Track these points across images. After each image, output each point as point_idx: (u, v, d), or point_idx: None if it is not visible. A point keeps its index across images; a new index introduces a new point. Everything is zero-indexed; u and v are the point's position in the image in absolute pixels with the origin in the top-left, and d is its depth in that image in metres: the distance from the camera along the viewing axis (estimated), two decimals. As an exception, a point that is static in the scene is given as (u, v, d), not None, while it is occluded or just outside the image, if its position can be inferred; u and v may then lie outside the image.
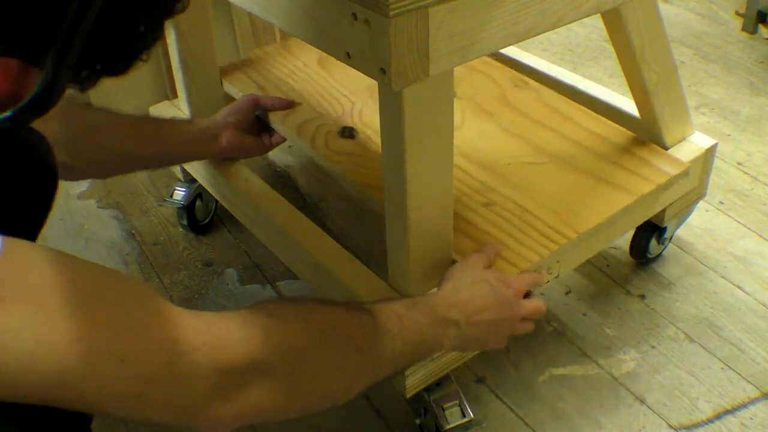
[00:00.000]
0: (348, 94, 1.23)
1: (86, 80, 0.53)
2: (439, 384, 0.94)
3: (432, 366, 0.90)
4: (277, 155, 1.60)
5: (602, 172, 1.06)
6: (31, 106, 0.48)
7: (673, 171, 1.06)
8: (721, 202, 1.42)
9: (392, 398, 1.07)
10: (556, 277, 1.01)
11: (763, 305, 1.20)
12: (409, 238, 0.84)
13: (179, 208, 1.37)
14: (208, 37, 1.22)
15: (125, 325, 0.54)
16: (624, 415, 1.04)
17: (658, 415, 1.04)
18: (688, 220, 1.29)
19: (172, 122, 1.15)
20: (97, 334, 0.52)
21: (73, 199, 1.52)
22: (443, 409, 0.94)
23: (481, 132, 1.15)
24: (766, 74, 1.83)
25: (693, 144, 1.13)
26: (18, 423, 0.52)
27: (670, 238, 1.27)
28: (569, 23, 0.77)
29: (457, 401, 0.94)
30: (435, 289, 0.87)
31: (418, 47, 0.65)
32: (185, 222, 1.38)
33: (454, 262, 0.91)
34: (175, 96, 1.34)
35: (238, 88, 1.27)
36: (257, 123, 1.19)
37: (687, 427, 1.03)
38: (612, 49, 1.05)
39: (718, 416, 1.04)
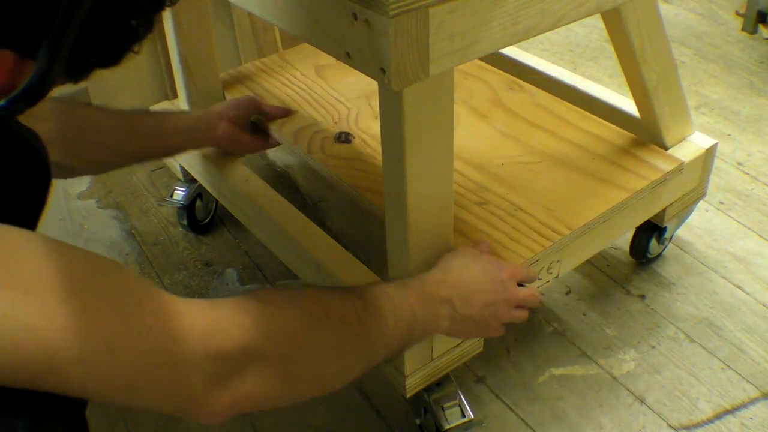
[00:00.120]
0: (344, 101, 1.24)
1: (79, 72, 0.55)
2: (439, 384, 0.94)
3: (432, 366, 0.90)
4: (277, 155, 1.60)
5: (595, 170, 1.07)
6: (23, 96, 0.49)
7: (667, 167, 1.07)
8: (721, 202, 1.42)
9: (392, 398, 1.07)
10: (556, 277, 1.01)
11: (763, 305, 1.20)
12: (409, 237, 0.84)
13: (179, 208, 1.37)
14: (208, 37, 1.22)
15: (116, 314, 0.54)
16: (624, 415, 1.04)
17: (658, 415, 1.04)
18: (688, 220, 1.29)
19: (168, 114, 1.15)
20: (87, 322, 0.52)
21: (73, 199, 1.52)
22: (443, 409, 0.94)
23: (475, 133, 1.15)
24: (766, 74, 1.83)
25: (693, 144, 1.13)
26: (4, 407, 0.52)
27: (670, 238, 1.28)
28: (569, 23, 0.77)
29: (457, 401, 0.94)
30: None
31: (418, 47, 0.65)
32: (185, 222, 1.38)
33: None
34: (175, 96, 1.35)
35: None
36: (253, 126, 1.19)
37: (687, 427, 1.03)
38: (612, 49, 1.05)
39: (718, 416, 1.04)
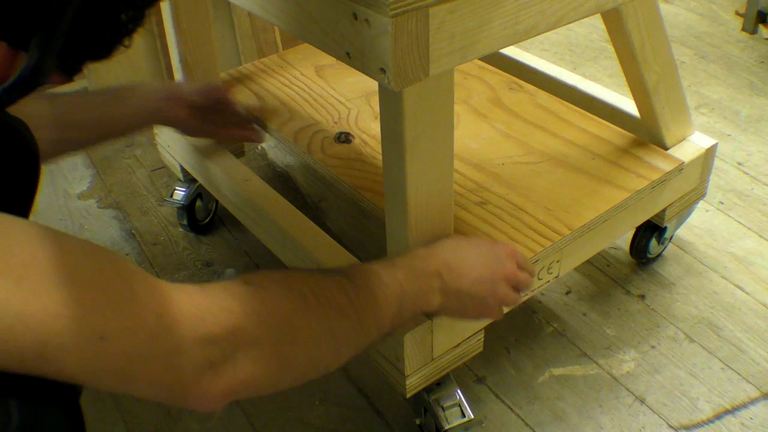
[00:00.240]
0: (344, 101, 1.24)
1: (72, 65, 0.56)
2: (439, 384, 0.94)
3: (432, 366, 0.90)
4: (277, 155, 1.60)
5: (595, 170, 1.07)
6: (15, 87, 0.50)
7: (667, 167, 1.07)
8: (721, 202, 1.42)
9: (392, 398, 1.07)
10: (556, 277, 1.01)
11: (763, 305, 1.20)
12: (409, 237, 0.84)
13: (179, 208, 1.37)
14: (208, 37, 1.22)
15: (106, 301, 0.54)
16: (624, 415, 1.04)
17: (658, 415, 1.04)
18: (688, 220, 1.29)
19: (126, 100, 1.10)
20: (77, 310, 0.52)
21: (73, 199, 1.52)
22: (443, 409, 0.94)
23: (475, 134, 1.15)
24: (766, 74, 1.83)
25: (693, 144, 1.13)
26: None
27: (670, 238, 1.28)
28: (569, 23, 0.77)
29: (457, 401, 0.94)
30: None
31: (418, 47, 0.65)
32: (185, 222, 1.38)
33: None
34: (175, 96, 1.34)
35: (239, 100, 1.28)
36: (236, 115, 1.18)
37: (687, 427, 1.03)
38: (612, 49, 1.05)
39: (718, 416, 1.04)
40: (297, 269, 0.76)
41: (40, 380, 0.53)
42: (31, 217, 0.65)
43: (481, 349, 0.97)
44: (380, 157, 1.09)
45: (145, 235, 1.42)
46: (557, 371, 1.11)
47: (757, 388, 1.07)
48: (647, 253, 1.25)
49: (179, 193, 1.35)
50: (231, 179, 1.15)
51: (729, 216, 1.39)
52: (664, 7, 2.15)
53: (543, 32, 0.75)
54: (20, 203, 0.64)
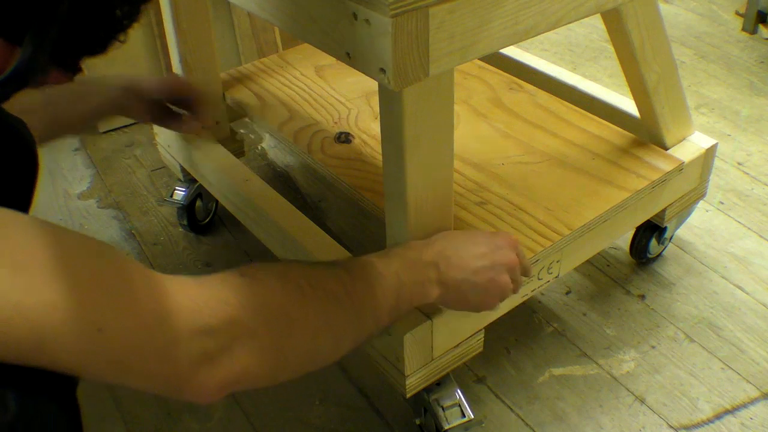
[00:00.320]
0: (344, 101, 1.24)
1: (67, 60, 0.57)
2: (439, 384, 0.94)
3: (432, 366, 0.90)
4: (277, 155, 1.60)
5: (595, 170, 1.07)
6: (8, 81, 0.51)
7: (667, 167, 1.07)
8: (721, 202, 1.42)
9: (392, 398, 1.07)
10: (556, 277, 1.01)
11: (763, 305, 1.20)
12: (409, 237, 0.84)
13: (179, 208, 1.37)
14: (208, 37, 1.22)
15: (104, 293, 0.55)
16: (624, 415, 1.04)
17: (658, 415, 1.04)
18: (688, 220, 1.29)
19: (89, 92, 1.12)
20: (75, 301, 0.52)
21: (73, 199, 1.52)
22: (443, 409, 0.94)
23: (475, 134, 1.16)
24: (766, 74, 1.83)
25: (693, 144, 1.13)
26: None
27: (670, 238, 1.28)
28: (569, 23, 0.77)
29: (457, 401, 0.94)
30: None
31: (418, 47, 0.65)
32: (185, 222, 1.38)
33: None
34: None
35: (238, 100, 1.28)
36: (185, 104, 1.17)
37: (687, 427, 1.03)
38: (612, 49, 1.05)
39: (718, 416, 1.04)
40: (293, 261, 0.76)
41: (37, 372, 0.53)
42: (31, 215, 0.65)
43: (481, 349, 0.97)
44: (380, 157, 1.09)
45: (145, 235, 1.42)
46: (557, 371, 1.11)
47: (757, 388, 1.07)
48: (647, 253, 1.25)
49: (179, 193, 1.35)
50: (231, 179, 1.15)
51: (729, 216, 1.39)
52: (664, 7, 2.15)
53: (543, 32, 0.75)
54: (19, 200, 0.64)
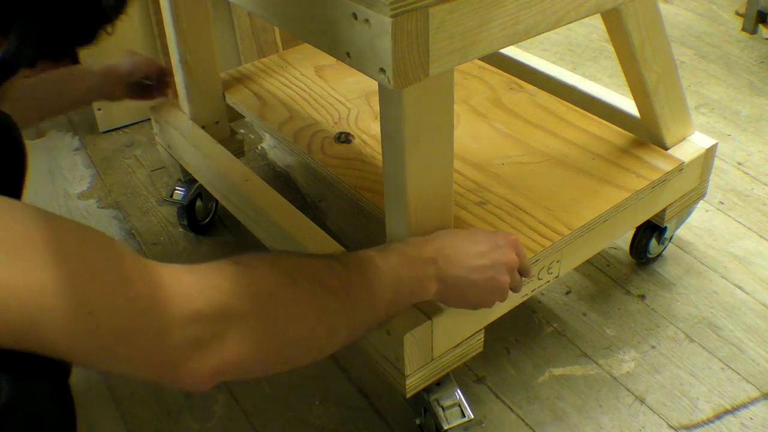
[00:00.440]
0: (344, 101, 1.24)
1: (55, 50, 0.58)
2: (439, 384, 0.94)
3: (432, 366, 0.90)
4: (277, 155, 1.60)
5: (595, 170, 1.07)
6: None
7: (667, 167, 1.07)
8: (721, 202, 1.42)
9: (392, 398, 1.07)
10: (556, 277, 1.01)
11: (763, 305, 1.20)
12: (409, 237, 0.84)
13: (179, 208, 1.37)
14: (208, 37, 1.22)
15: (95, 277, 0.55)
16: (624, 415, 1.04)
17: (658, 415, 1.04)
18: (688, 220, 1.29)
19: (72, 79, 1.22)
20: (67, 284, 0.52)
21: (73, 199, 1.52)
22: (443, 409, 0.94)
23: (475, 134, 1.15)
24: (766, 74, 1.83)
25: (693, 144, 1.13)
26: None
27: (670, 238, 1.28)
28: (569, 23, 0.77)
29: (457, 401, 0.94)
30: None
31: (418, 47, 0.65)
32: (185, 222, 1.38)
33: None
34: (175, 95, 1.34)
35: (238, 100, 1.28)
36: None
37: (687, 427, 1.03)
38: (612, 49, 1.05)
39: (718, 416, 1.04)
40: (288, 252, 0.76)
41: (30, 358, 0.53)
42: None
43: (481, 349, 0.96)
44: (380, 157, 1.09)
45: (145, 235, 1.42)
46: (557, 371, 1.11)
47: (757, 388, 1.07)
48: (647, 253, 1.25)
49: (179, 193, 1.35)
50: (231, 179, 1.15)
51: (729, 216, 1.39)
52: (664, 7, 2.15)
53: (543, 32, 0.75)
54: (10, 192, 0.64)
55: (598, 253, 1.22)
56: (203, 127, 1.27)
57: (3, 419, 0.51)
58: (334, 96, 1.27)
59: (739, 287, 1.24)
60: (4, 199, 0.53)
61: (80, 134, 1.72)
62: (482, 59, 1.33)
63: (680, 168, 1.09)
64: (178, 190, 1.36)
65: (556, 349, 1.14)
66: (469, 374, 1.10)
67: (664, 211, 1.14)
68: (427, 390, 0.94)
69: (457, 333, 0.91)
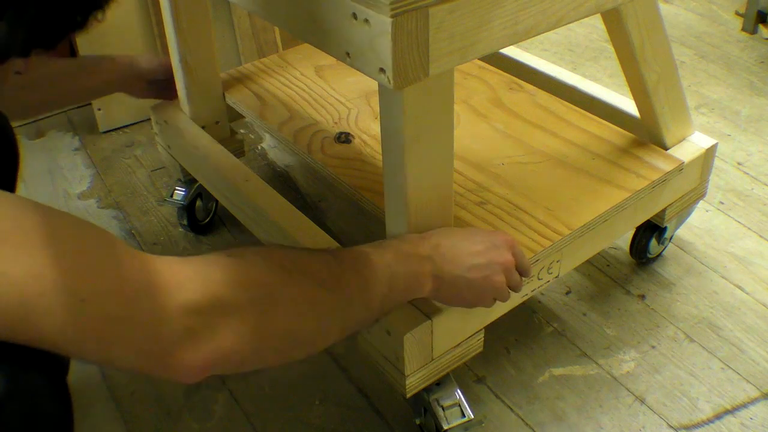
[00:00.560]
0: (344, 101, 1.24)
1: (47, 37, 0.58)
2: (439, 384, 0.94)
3: (432, 366, 0.90)
4: (277, 155, 1.60)
5: (596, 170, 1.07)
6: None
7: (667, 167, 1.07)
8: (721, 202, 1.42)
9: (392, 398, 1.07)
10: (556, 277, 1.01)
11: (763, 305, 1.20)
12: (409, 238, 0.84)
13: (179, 208, 1.37)
14: (208, 37, 1.22)
15: (87, 265, 0.55)
16: (624, 415, 1.04)
17: (658, 415, 1.04)
18: (688, 220, 1.29)
19: (91, 60, 1.26)
20: (58, 272, 0.53)
21: (73, 199, 1.52)
22: (443, 409, 0.94)
23: (475, 134, 1.15)
24: (766, 74, 1.83)
25: (693, 144, 1.13)
26: None
27: (670, 238, 1.28)
28: (569, 23, 0.77)
29: (457, 401, 0.94)
30: None
31: (418, 47, 0.65)
32: (185, 222, 1.38)
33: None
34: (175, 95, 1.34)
35: (238, 100, 1.28)
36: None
37: (687, 427, 1.03)
38: (612, 49, 1.05)
39: (718, 416, 1.04)
40: (282, 245, 0.76)
41: (28, 353, 0.53)
42: None
43: (481, 349, 0.97)
44: (380, 157, 1.09)
45: (145, 235, 1.42)
46: (557, 371, 1.11)
47: (757, 388, 1.07)
48: (647, 253, 1.25)
49: (179, 193, 1.35)
50: (231, 179, 1.15)
51: (729, 216, 1.39)
52: (664, 7, 2.15)
53: (543, 32, 0.75)
54: (2, 188, 0.65)
55: (598, 253, 1.22)
56: (203, 127, 1.27)
57: (0, 410, 0.51)
58: (334, 96, 1.27)
59: (739, 287, 1.24)
60: None
61: (80, 134, 1.72)
62: (482, 59, 1.33)
63: (680, 168, 1.09)
64: (178, 190, 1.36)
65: (556, 349, 1.14)
66: (469, 374, 1.10)
67: (664, 211, 1.14)
68: (427, 390, 0.94)
69: (457, 333, 0.92)
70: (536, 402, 1.06)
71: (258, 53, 1.77)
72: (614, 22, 0.98)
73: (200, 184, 1.32)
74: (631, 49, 1.00)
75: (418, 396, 0.94)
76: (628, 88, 1.09)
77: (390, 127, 0.79)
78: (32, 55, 0.61)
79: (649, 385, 1.08)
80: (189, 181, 1.35)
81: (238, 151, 1.35)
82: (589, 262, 1.27)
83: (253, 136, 1.67)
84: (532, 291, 0.99)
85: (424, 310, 0.87)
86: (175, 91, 1.28)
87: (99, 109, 1.69)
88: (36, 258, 0.52)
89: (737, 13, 2.10)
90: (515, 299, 0.97)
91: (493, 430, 1.03)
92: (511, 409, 1.05)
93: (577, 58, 1.95)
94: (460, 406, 0.94)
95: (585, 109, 1.20)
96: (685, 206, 1.19)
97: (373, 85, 1.23)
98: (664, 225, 1.19)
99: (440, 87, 0.76)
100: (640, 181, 1.05)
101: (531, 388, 1.08)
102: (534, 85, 1.27)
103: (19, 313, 0.51)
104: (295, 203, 1.13)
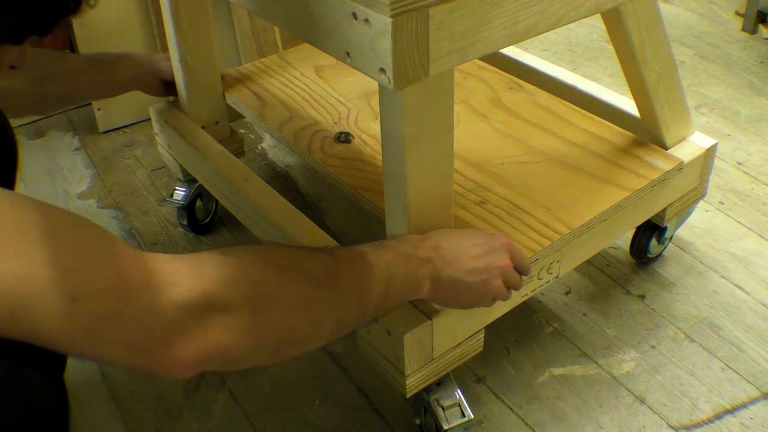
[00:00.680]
0: (344, 101, 1.24)
1: (40, 23, 0.59)
2: (439, 384, 0.94)
3: (432, 366, 0.90)
4: (277, 155, 1.60)
5: (595, 169, 1.07)
6: None
7: (666, 167, 1.07)
8: (721, 202, 1.42)
9: (392, 398, 1.07)
10: (556, 277, 1.01)
11: (763, 305, 1.20)
12: (409, 238, 0.84)
13: (179, 208, 1.37)
14: (208, 37, 1.22)
15: (79, 263, 0.55)
16: (624, 415, 1.04)
17: (659, 415, 1.04)
18: (688, 220, 1.29)
19: (110, 56, 1.25)
20: (49, 271, 0.53)
21: (73, 199, 1.52)
22: (443, 409, 0.94)
23: (475, 133, 1.16)
24: (766, 74, 1.83)
25: (693, 144, 1.13)
26: None
27: (670, 238, 1.28)
28: (569, 23, 0.77)
29: (457, 401, 0.94)
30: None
31: (418, 47, 0.65)
32: (185, 222, 1.38)
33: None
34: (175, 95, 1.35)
35: (238, 99, 1.28)
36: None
37: (687, 427, 1.03)
38: (612, 49, 1.05)
39: (718, 416, 1.04)
40: (277, 243, 0.75)
41: (25, 349, 0.54)
42: None
43: (481, 349, 0.97)
44: (380, 156, 1.09)
45: (145, 235, 1.42)
46: (557, 371, 1.11)
47: (757, 388, 1.07)
48: (647, 253, 1.25)
49: (179, 193, 1.35)
50: (231, 179, 1.15)
51: (729, 216, 1.39)
52: (664, 7, 2.15)
53: (543, 32, 0.75)
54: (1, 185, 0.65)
55: (598, 253, 1.22)
56: (203, 127, 1.27)
57: None
58: (334, 96, 1.27)
59: (739, 287, 1.24)
60: None
61: (80, 134, 1.72)
62: (482, 59, 1.33)
63: (680, 167, 1.09)
64: (178, 190, 1.36)
65: (556, 349, 1.14)
66: (469, 374, 1.10)
67: (664, 211, 1.14)
68: (427, 390, 0.94)
69: (457, 333, 0.92)
70: (536, 402, 1.06)
71: (258, 53, 1.77)
72: (614, 22, 0.98)
73: (200, 184, 1.32)
74: (631, 49, 1.00)
75: (418, 396, 0.94)
76: (628, 88, 1.09)
77: (390, 127, 0.79)
78: (26, 43, 0.61)
79: (649, 385, 1.08)
80: (189, 181, 1.35)
81: (238, 151, 1.35)
82: (589, 262, 1.27)
83: (253, 136, 1.67)
84: (532, 291, 0.99)
85: (424, 310, 0.87)
86: None
87: (99, 109, 1.69)
88: (29, 256, 0.52)
89: (737, 13, 2.10)
90: (515, 299, 0.97)
91: (493, 430, 1.03)
92: (511, 409, 1.05)
93: (577, 58, 1.95)
94: (460, 406, 0.94)
95: (585, 109, 1.20)
96: (685, 206, 1.19)
97: (373, 84, 1.23)
98: (664, 225, 1.19)
99: (440, 87, 0.76)
100: (639, 181, 1.05)
101: (531, 388, 1.08)
102: (534, 85, 1.27)
103: (12, 312, 0.52)
104: (295, 203, 1.13)
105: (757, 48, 1.95)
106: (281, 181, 1.53)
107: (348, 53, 0.68)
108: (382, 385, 1.08)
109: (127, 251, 0.59)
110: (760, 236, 1.34)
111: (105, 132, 1.72)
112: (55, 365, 0.59)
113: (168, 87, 1.29)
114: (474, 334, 0.94)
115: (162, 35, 1.57)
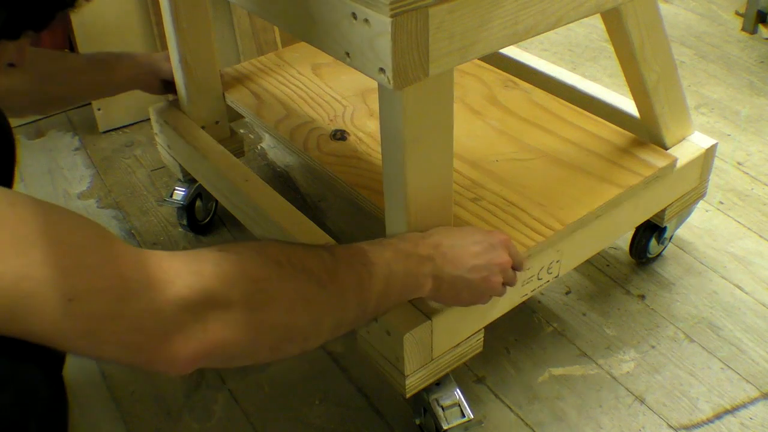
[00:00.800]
0: (340, 99, 1.24)
1: (38, 17, 0.59)
2: (439, 384, 0.94)
3: (432, 366, 0.90)
4: (277, 155, 1.60)
5: (589, 166, 1.07)
6: None
7: (660, 163, 1.07)
8: (721, 202, 1.42)
9: (392, 398, 1.07)
10: (556, 277, 1.01)
11: (763, 305, 1.20)
12: (409, 238, 0.84)
13: (179, 208, 1.37)
14: (208, 37, 1.22)
15: (75, 263, 0.55)
16: (624, 415, 1.04)
17: (658, 415, 1.04)
18: (688, 220, 1.29)
19: (110, 56, 1.26)
20: (46, 271, 0.53)
21: (73, 199, 1.52)
22: (443, 409, 0.94)
23: (470, 131, 1.15)
24: (766, 74, 1.83)
25: (693, 144, 1.13)
26: None
27: (670, 238, 1.28)
28: (569, 23, 0.77)
29: (457, 401, 0.94)
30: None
31: (418, 47, 0.65)
32: (185, 222, 1.38)
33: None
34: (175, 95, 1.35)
35: (235, 98, 1.29)
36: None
37: (687, 427, 1.03)
38: (612, 49, 1.05)
39: (718, 416, 1.04)
40: (275, 240, 0.75)
41: (23, 345, 0.54)
42: None
43: (480, 349, 0.97)
44: (376, 154, 1.10)
45: (145, 235, 1.42)
46: (557, 371, 1.11)
47: (757, 388, 1.07)
48: (647, 253, 1.25)
49: (179, 193, 1.35)
50: (231, 179, 1.15)
51: (729, 216, 1.39)
52: (664, 7, 2.15)
53: (543, 32, 0.75)
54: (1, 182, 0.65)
55: (598, 253, 1.22)
56: (203, 127, 1.27)
57: None
58: (330, 94, 1.27)
59: (739, 287, 1.24)
60: None
61: (80, 134, 1.72)
62: (481, 59, 1.33)
63: (673, 163, 1.08)
64: (177, 190, 1.36)
65: (555, 349, 1.14)
66: (469, 374, 1.10)
67: (663, 211, 1.14)
68: (427, 390, 0.94)
69: (457, 333, 0.92)
70: (536, 402, 1.06)
71: (258, 53, 1.77)
72: (614, 22, 0.98)
73: (200, 184, 1.32)
74: (631, 49, 1.00)
75: (417, 396, 0.94)
76: (628, 88, 1.09)
77: (390, 127, 0.79)
78: (24, 40, 0.61)
79: (648, 385, 1.08)
80: (189, 181, 1.35)
81: (238, 151, 1.35)
82: (589, 262, 1.27)
83: (252, 136, 1.67)
84: (532, 291, 0.99)
85: (424, 310, 0.87)
86: None
87: (99, 109, 1.69)
88: (29, 256, 0.52)
89: (737, 13, 2.10)
90: (515, 299, 0.97)
91: (492, 430, 1.03)
92: (511, 409, 1.05)
93: (577, 58, 1.95)
94: (459, 406, 0.94)
95: (585, 109, 1.20)
96: (685, 206, 1.19)
97: (369, 82, 1.24)
98: (664, 225, 1.19)
99: (440, 87, 0.76)
100: (633, 177, 1.04)
101: (531, 388, 1.08)
102: (534, 85, 1.27)
103: (11, 311, 0.52)
104: (295, 203, 1.13)
105: (757, 48, 1.95)
106: (281, 181, 1.53)
107: (348, 53, 0.68)
108: (382, 385, 1.08)
109: (125, 250, 0.59)
110: (760, 236, 1.34)
111: (105, 132, 1.72)
112: (53, 362, 0.59)
113: (168, 86, 1.29)
114: (473, 334, 0.94)
115: (162, 35, 1.57)
